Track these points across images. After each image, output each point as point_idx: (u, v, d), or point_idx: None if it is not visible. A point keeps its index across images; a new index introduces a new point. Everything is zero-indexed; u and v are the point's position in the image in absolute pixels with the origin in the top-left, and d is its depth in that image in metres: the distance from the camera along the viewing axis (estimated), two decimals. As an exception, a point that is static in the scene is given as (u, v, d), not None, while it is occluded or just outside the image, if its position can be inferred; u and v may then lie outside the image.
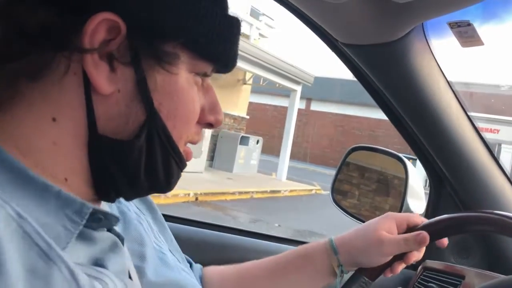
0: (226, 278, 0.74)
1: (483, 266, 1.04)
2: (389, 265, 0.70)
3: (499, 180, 1.10)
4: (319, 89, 20.17)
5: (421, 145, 1.09)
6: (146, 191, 0.49)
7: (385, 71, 0.96)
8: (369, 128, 20.22)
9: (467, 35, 0.69)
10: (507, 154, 16.92)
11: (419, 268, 1.10)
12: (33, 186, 0.38)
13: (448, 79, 1.01)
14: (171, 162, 0.47)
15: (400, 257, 0.70)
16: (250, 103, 14.68)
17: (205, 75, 0.49)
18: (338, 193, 1.25)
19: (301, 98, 14.73)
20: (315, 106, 22.62)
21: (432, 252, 1.11)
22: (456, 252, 1.17)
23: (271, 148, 13.65)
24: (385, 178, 1.27)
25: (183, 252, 0.71)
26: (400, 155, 1.14)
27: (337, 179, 1.24)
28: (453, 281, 0.98)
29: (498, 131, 17.19)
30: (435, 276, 1.04)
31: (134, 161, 0.44)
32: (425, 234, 0.67)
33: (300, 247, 0.75)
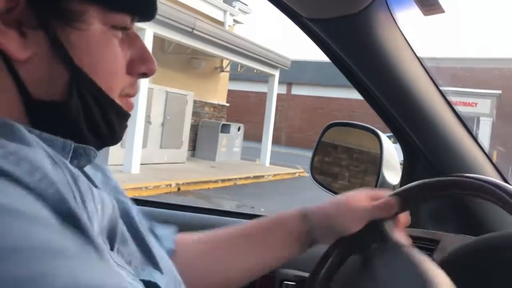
0: (202, 240, 0.75)
1: (459, 231, 1.06)
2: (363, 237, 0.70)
3: (472, 150, 1.13)
4: (299, 73, 20.22)
5: (393, 119, 1.10)
6: (95, 146, 0.50)
7: (352, 46, 0.96)
8: (349, 109, 20.34)
9: (428, 3, 0.69)
10: (486, 126, 17.28)
11: None
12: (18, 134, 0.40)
13: (418, 53, 1.02)
14: (109, 114, 0.49)
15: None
16: (230, 91, 14.63)
17: (124, 28, 0.48)
18: (317, 170, 1.26)
19: (282, 83, 14.76)
20: (296, 90, 22.67)
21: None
22: (432, 219, 1.19)
23: (254, 135, 13.68)
24: (361, 153, 1.28)
25: None
26: (375, 129, 1.15)
27: (315, 156, 1.24)
28: (428, 247, 0.99)
29: (476, 104, 17.48)
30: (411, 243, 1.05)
31: (75, 119, 0.46)
32: (392, 199, 0.69)
33: (276, 213, 0.76)
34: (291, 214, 0.73)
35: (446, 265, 0.83)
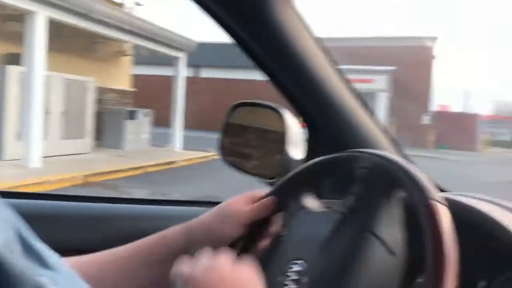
0: (90, 263, 0.72)
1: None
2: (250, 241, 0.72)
3: (369, 125, 1.18)
4: (208, 55, 20.02)
5: (294, 97, 1.13)
6: None
7: (253, 27, 0.97)
8: (260, 90, 20.55)
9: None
10: (382, 101, 18.51)
11: None
12: None
13: (315, 33, 1.05)
14: None
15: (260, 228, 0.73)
16: (136, 76, 14.13)
17: None
18: (228, 151, 1.24)
19: (190, 65, 14.51)
20: (205, 73, 22.49)
21: None
22: (332, 191, 1.24)
23: (164, 120, 13.35)
24: (269, 132, 1.29)
25: (38, 230, 0.65)
26: (279, 107, 1.16)
27: (225, 138, 1.23)
28: None
29: (373, 81, 18.62)
30: None
31: None
32: (267, 200, 0.73)
33: (166, 230, 0.75)
34: (175, 230, 0.73)
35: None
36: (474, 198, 0.87)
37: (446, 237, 0.54)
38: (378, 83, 18.66)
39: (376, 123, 1.23)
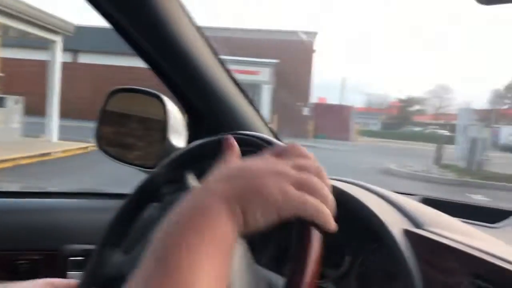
0: None
1: None
2: None
3: (249, 113, 1.23)
4: (88, 40, 18.82)
5: (176, 85, 1.13)
6: None
7: (131, 12, 0.95)
8: (144, 79, 19.91)
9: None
10: (266, 93, 19.11)
11: None
12: None
13: (195, 21, 1.05)
14: None
15: None
16: (5, 60, 12.81)
17: None
18: (108, 142, 1.19)
19: (67, 50, 13.55)
20: (84, 59, 21.19)
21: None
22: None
23: (39, 108, 12.31)
24: (151, 121, 1.26)
25: None
26: (159, 94, 1.14)
27: (103, 127, 1.17)
28: None
29: (258, 72, 19.11)
30: None
31: None
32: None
33: None
34: None
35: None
36: (342, 181, 0.93)
37: (311, 231, 0.53)
38: (263, 75, 19.21)
39: (255, 111, 1.27)
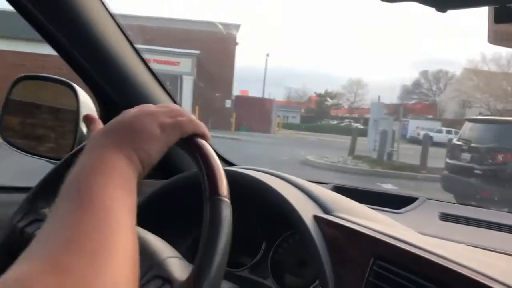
0: None
1: (157, 175, 1.15)
2: None
3: (166, 103, 1.20)
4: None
5: (88, 73, 1.11)
6: None
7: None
8: (56, 66, 18.78)
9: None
10: (188, 84, 18.86)
11: None
12: None
13: (108, 7, 1.04)
14: None
15: None
16: None
17: None
18: (16, 134, 1.13)
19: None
20: (-11, 44, 19.51)
21: None
22: None
23: None
24: (58, 109, 1.21)
25: None
26: (70, 82, 1.10)
27: (7, 116, 1.11)
28: None
29: (179, 63, 18.78)
30: None
31: None
32: None
33: None
34: None
35: (145, 208, 0.88)
36: (256, 170, 0.96)
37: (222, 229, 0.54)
38: (184, 66, 18.92)
39: (172, 101, 1.27)
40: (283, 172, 0.99)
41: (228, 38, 22.25)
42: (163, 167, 1.22)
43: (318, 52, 73.87)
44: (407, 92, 36.12)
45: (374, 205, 1.15)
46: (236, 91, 26.51)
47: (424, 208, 1.31)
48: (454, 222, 1.22)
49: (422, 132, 17.45)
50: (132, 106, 1.15)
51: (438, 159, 8.92)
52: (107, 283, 0.37)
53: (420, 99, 36.23)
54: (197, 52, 19.45)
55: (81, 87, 1.09)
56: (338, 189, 1.35)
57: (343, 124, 34.62)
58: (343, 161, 11.65)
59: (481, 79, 24.54)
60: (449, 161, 7.43)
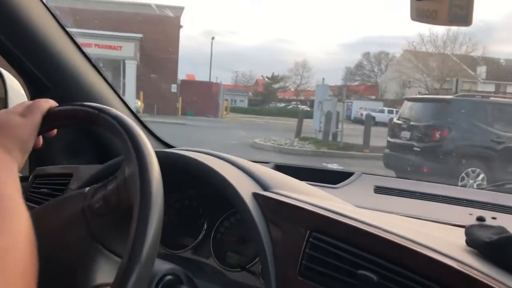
0: None
1: (94, 161, 1.12)
2: None
3: (100, 87, 1.21)
4: None
5: (15, 57, 1.07)
6: None
7: None
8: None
9: None
10: (131, 69, 18.35)
11: (30, 177, 1.14)
12: None
13: None
14: None
15: None
16: None
17: None
18: None
19: None
20: None
21: (44, 159, 1.20)
22: (66, 154, 1.22)
23: None
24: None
25: None
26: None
27: None
28: (63, 181, 1.02)
29: (121, 47, 18.21)
30: (47, 181, 1.09)
31: None
32: None
33: None
34: None
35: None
36: (194, 151, 0.95)
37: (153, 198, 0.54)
38: (126, 51, 18.37)
39: (107, 86, 1.25)
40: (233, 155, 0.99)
41: (171, 21, 21.79)
42: (100, 153, 1.21)
43: (264, 36, 73.93)
44: (350, 73, 37.05)
45: (312, 181, 1.18)
46: (183, 75, 26.15)
47: (359, 182, 1.36)
48: (388, 195, 1.27)
49: (365, 113, 17.97)
50: (62, 88, 1.15)
51: (381, 138, 9.26)
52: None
53: (363, 80, 37.27)
54: (140, 35, 18.91)
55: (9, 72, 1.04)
56: (279, 167, 1.37)
57: (290, 106, 35.01)
58: (290, 143, 11.83)
59: (420, 59, 25.51)
60: (390, 140, 7.74)
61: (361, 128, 11.59)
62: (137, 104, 18.04)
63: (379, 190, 1.29)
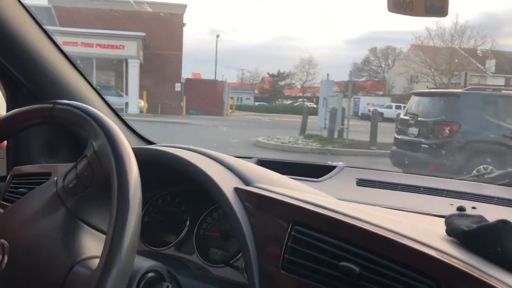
0: None
1: (72, 159, 1.12)
2: None
3: (78, 85, 1.22)
4: None
5: None
6: None
7: None
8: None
9: None
10: (134, 68, 18.23)
11: (8, 177, 1.15)
12: None
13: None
14: None
15: None
16: None
17: None
18: None
19: None
20: None
21: (21, 158, 1.22)
22: (45, 153, 1.23)
23: None
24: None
25: None
26: None
27: None
28: (41, 180, 0.99)
29: (123, 47, 18.09)
30: (25, 181, 1.09)
31: None
32: None
33: None
34: None
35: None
36: (177, 147, 0.93)
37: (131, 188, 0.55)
38: (129, 50, 18.25)
39: (86, 83, 1.25)
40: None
41: (174, 19, 21.63)
42: (78, 150, 1.19)
43: (269, 33, 73.82)
44: (357, 69, 36.69)
45: (295, 175, 1.18)
46: (188, 74, 26.03)
47: (342, 175, 1.39)
48: (370, 187, 1.30)
49: (372, 109, 17.73)
50: (38, 85, 1.13)
51: (389, 135, 9.00)
52: None
53: (370, 76, 36.93)
54: (142, 34, 18.78)
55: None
56: (261, 162, 1.40)
57: (297, 103, 34.86)
58: (294, 140, 11.60)
59: (427, 54, 25.20)
60: (397, 136, 7.46)
61: (369, 124, 11.31)
62: (140, 104, 17.93)
63: (361, 182, 1.32)
